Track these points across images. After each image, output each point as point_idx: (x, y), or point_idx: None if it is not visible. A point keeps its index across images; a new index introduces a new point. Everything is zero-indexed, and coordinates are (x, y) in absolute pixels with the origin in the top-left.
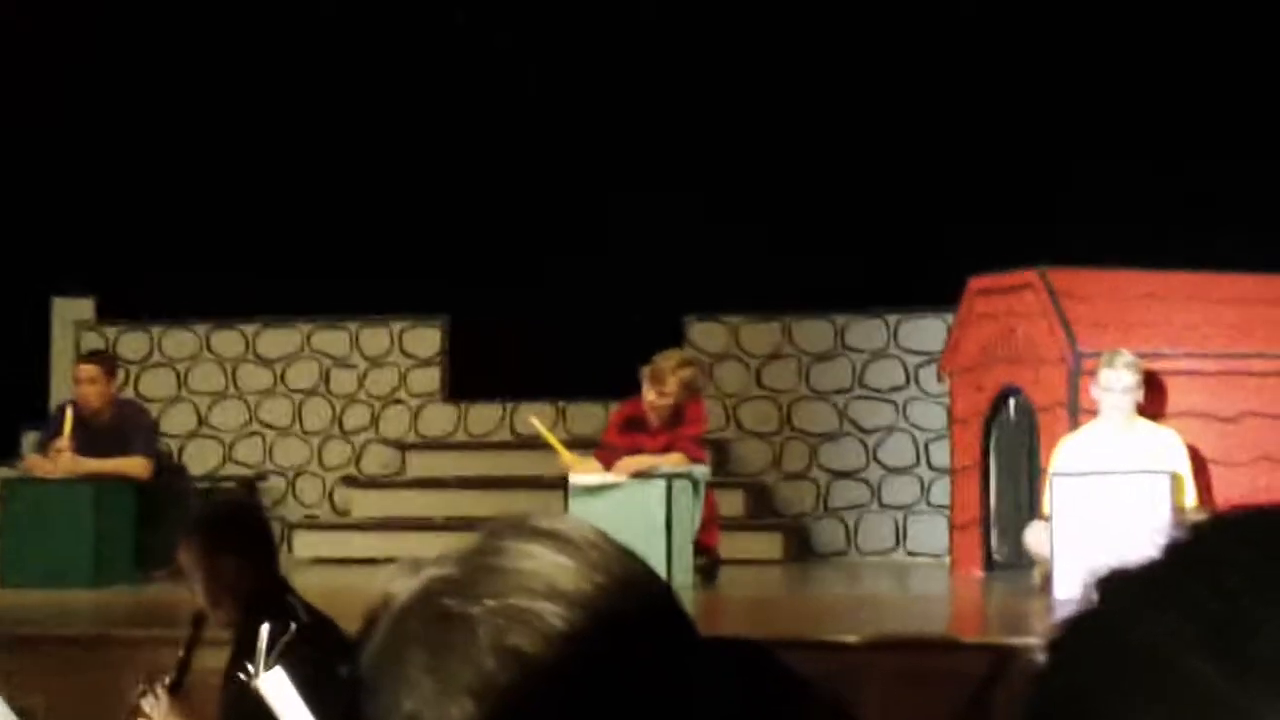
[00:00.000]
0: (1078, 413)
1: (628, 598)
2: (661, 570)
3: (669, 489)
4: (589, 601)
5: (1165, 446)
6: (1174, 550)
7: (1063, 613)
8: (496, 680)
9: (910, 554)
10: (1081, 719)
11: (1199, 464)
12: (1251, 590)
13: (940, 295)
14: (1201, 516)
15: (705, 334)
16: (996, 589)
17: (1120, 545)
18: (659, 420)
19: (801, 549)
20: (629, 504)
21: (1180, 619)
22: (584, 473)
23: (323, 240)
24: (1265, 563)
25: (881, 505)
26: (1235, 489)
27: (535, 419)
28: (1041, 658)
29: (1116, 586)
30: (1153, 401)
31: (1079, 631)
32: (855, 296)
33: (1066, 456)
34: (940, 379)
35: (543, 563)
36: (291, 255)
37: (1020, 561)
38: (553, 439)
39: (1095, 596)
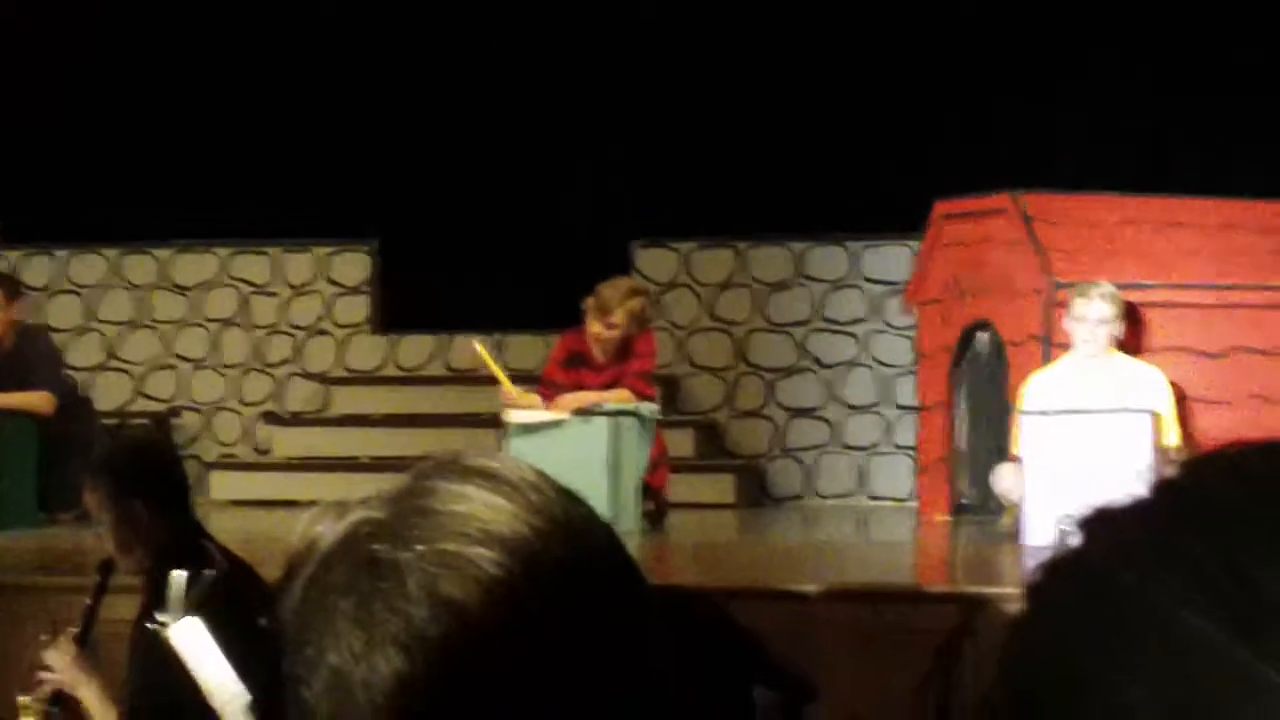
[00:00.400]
0: (1051, 347)
1: (569, 543)
2: (606, 514)
3: (614, 427)
4: (527, 547)
5: (1146, 383)
6: (1164, 492)
7: (1039, 558)
8: (427, 632)
9: (872, 498)
10: (1065, 672)
11: (1184, 402)
12: (1249, 539)
13: (906, 221)
14: (1188, 457)
15: (653, 261)
16: (964, 535)
17: (1096, 488)
18: (604, 354)
19: (756, 492)
20: (571, 443)
21: (1174, 568)
22: (523, 408)
23: (242, 159)
24: (1261, 507)
25: (842, 446)
26: (1223, 429)
27: (478, 344)
28: (1017, 606)
29: (1102, 530)
30: (1134, 336)
31: (1061, 577)
32: (815, 221)
33: (1038, 393)
34: (906, 311)
35: (477, 505)
36: (209, 175)
37: (989, 505)
38: (495, 366)
39: (1078, 539)
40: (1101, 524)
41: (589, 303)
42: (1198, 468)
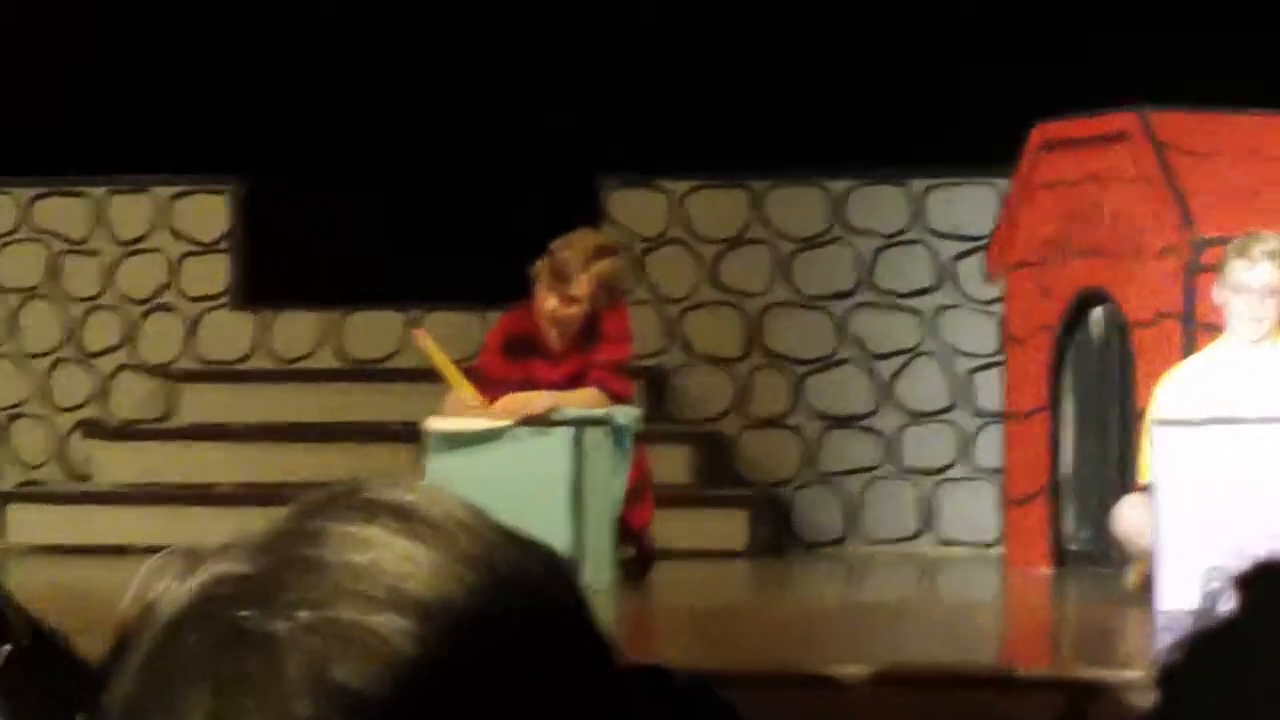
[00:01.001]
0: (1196, 329)
1: (513, 607)
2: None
3: (577, 442)
4: (454, 613)
5: None
6: None
7: (1178, 629)
8: None
9: (943, 542)
10: None
11: None
12: None
13: (987, 152)
14: None
15: (634, 207)
16: (1072, 594)
17: (1263, 531)
18: (563, 339)
19: (778, 534)
20: (517, 465)
21: None
22: (454, 416)
23: (52, 63)
24: None
25: (900, 469)
26: None
27: (425, 335)
28: (1147, 695)
29: (1266, 593)
30: None
31: (1209, 656)
32: (861, 151)
33: (1179, 395)
34: (988, 278)
35: (384, 555)
36: (6, 95)
37: (1108, 554)
38: (446, 362)
39: (1231, 606)
40: (1265, 585)
41: (541, 268)
42: None
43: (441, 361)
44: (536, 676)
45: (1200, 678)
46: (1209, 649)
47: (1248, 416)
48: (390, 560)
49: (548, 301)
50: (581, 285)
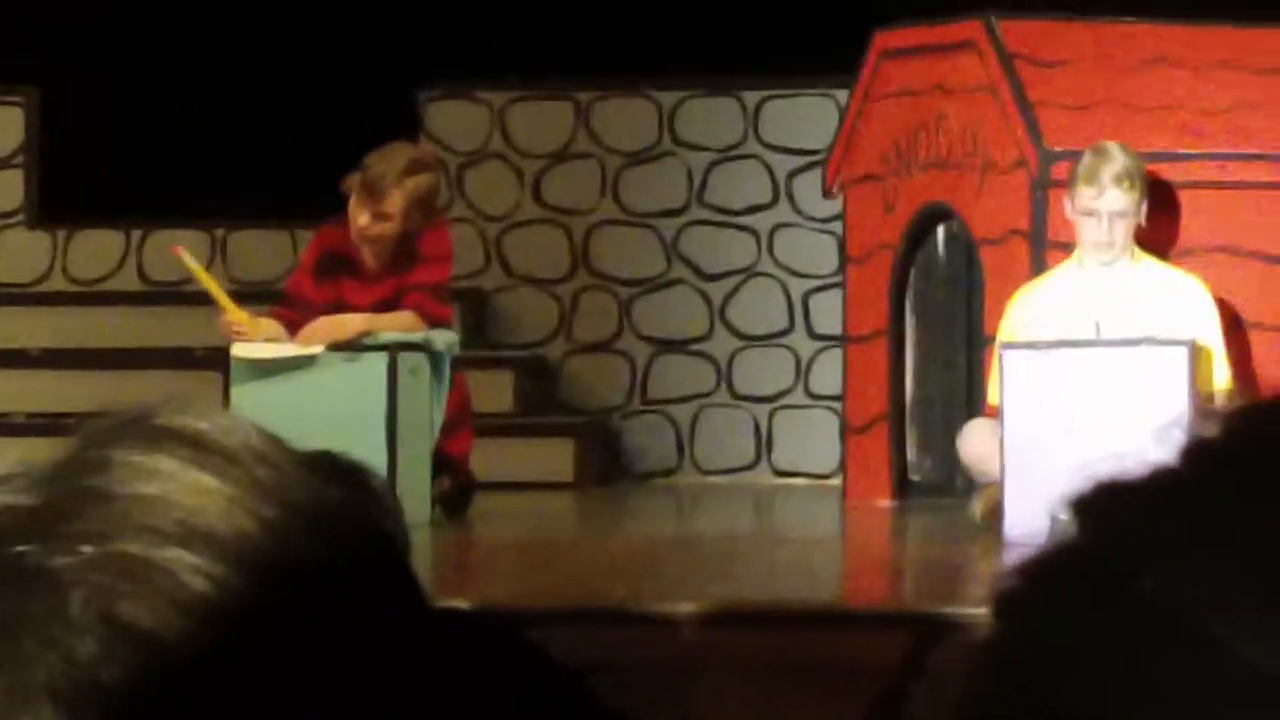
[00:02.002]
0: (1045, 248)
1: (316, 542)
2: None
3: (392, 368)
4: (250, 549)
5: (1183, 301)
6: (1201, 458)
7: (1019, 558)
8: (99, 676)
9: (780, 473)
10: (1050, 717)
11: (1235, 328)
12: None
13: (826, 61)
14: (1241, 404)
15: (452, 119)
16: (915, 527)
17: (1112, 455)
18: (376, 259)
19: (606, 464)
20: (327, 393)
21: (1213, 571)
22: (256, 340)
23: None
24: None
25: (733, 396)
26: None
27: (184, 252)
28: (988, 626)
29: (1109, 516)
30: (1165, 232)
31: (1047, 584)
32: (692, 60)
33: (1028, 318)
34: (827, 195)
35: (174, 487)
36: None
37: (953, 484)
38: (209, 280)
39: (1074, 530)
40: (1108, 507)
41: (352, 183)
42: (1253, 422)
43: (207, 281)
44: (336, 617)
45: (1038, 605)
46: (1047, 575)
47: (1098, 339)
48: (181, 492)
49: (360, 218)
50: (394, 201)
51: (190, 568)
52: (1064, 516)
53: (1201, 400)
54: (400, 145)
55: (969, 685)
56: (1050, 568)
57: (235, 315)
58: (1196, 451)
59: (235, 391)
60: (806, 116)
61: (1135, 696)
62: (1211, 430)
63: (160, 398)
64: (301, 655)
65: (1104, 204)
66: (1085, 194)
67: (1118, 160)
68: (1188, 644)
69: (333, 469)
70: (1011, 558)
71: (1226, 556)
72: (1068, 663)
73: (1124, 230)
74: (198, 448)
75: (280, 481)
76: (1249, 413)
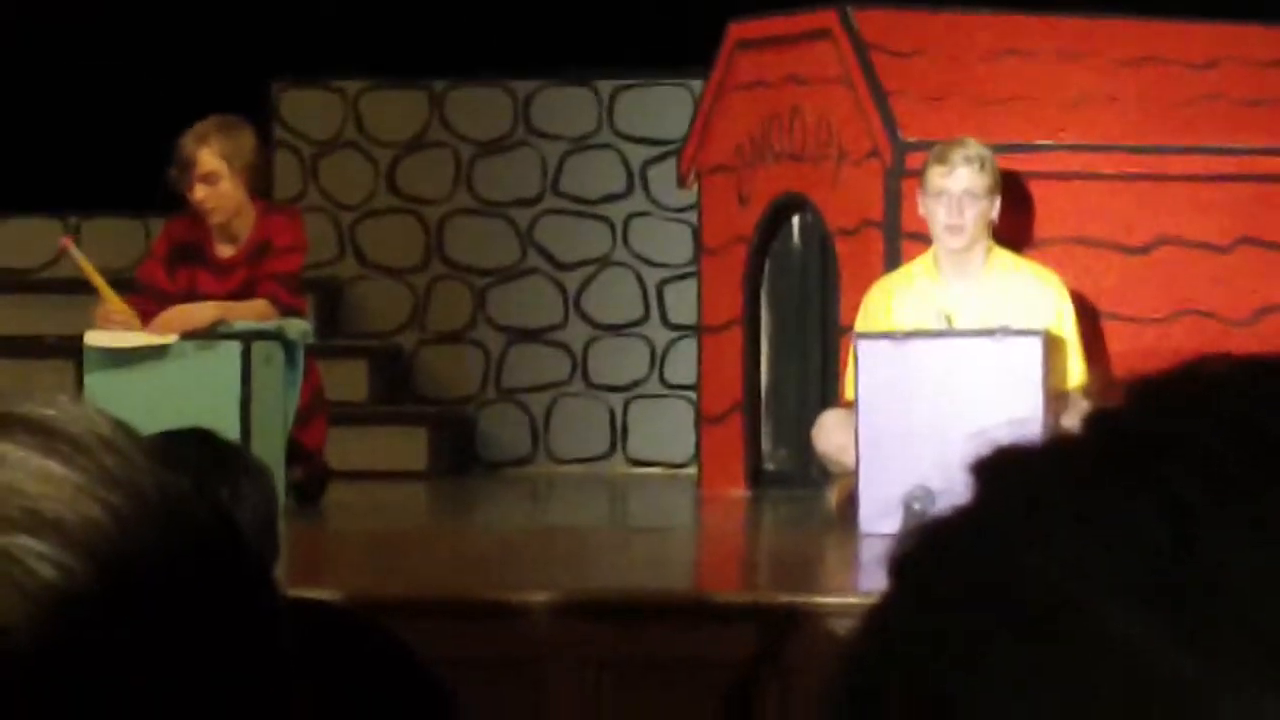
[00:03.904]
0: (899, 239)
1: (165, 532)
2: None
3: (245, 357)
4: (98, 538)
5: (1037, 294)
6: (1103, 427)
7: (889, 541)
8: None
9: (634, 462)
10: (925, 695)
11: (1089, 320)
12: (1213, 509)
13: (681, 52)
14: (1103, 394)
15: (305, 108)
16: (769, 518)
17: (964, 447)
18: (229, 241)
19: (460, 454)
20: (181, 381)
21: (1102, 543)
22: (112, 329)
23: None
24: (1234, 456)
25: (588, 384)
26: (1148, 357)
27: (73, 245)
28: (848, 621)
29: (1002, 480)
30: (1019, 224)
31: (943, 549)
32: (546, 50)
33: (882, 308)
34: (682, 185)
35: (20, 474)
36: None
37: (808, 474)
38: (95, 274)
39: (971, 493)
40: (1003, 470)
41: (172, 172)
42: (1162, 393)
43: (90, 271)
44: (183, 607)
45: (928, 570)
46: (941, 538)
47: (953, 329)
48: (25, 479)
49: (197, 194)
50: (207, 159)
51: (37, 555)
52: (917, 507)
53: (1055, 394)
54: (215, 116)
55: (846, 650)
56: (945, 530)
57: (116, 306)
58: (1099, 421)
59: (88, 380)
60: (661, 106)
61: (1007, 678)
62: (1116, 401)
63: (8, 386)
64: (147, 645)
65: (954, 181)
66: (936, 174)
67: (971, 145)
68: (1073, 630)
69: (207, 447)
70: (870, 550)
71: (1121, 538)
72: (948, 634)
73: (976, 215)
74: (44, 435)
75: (128, 470)
76: (1158, 383)
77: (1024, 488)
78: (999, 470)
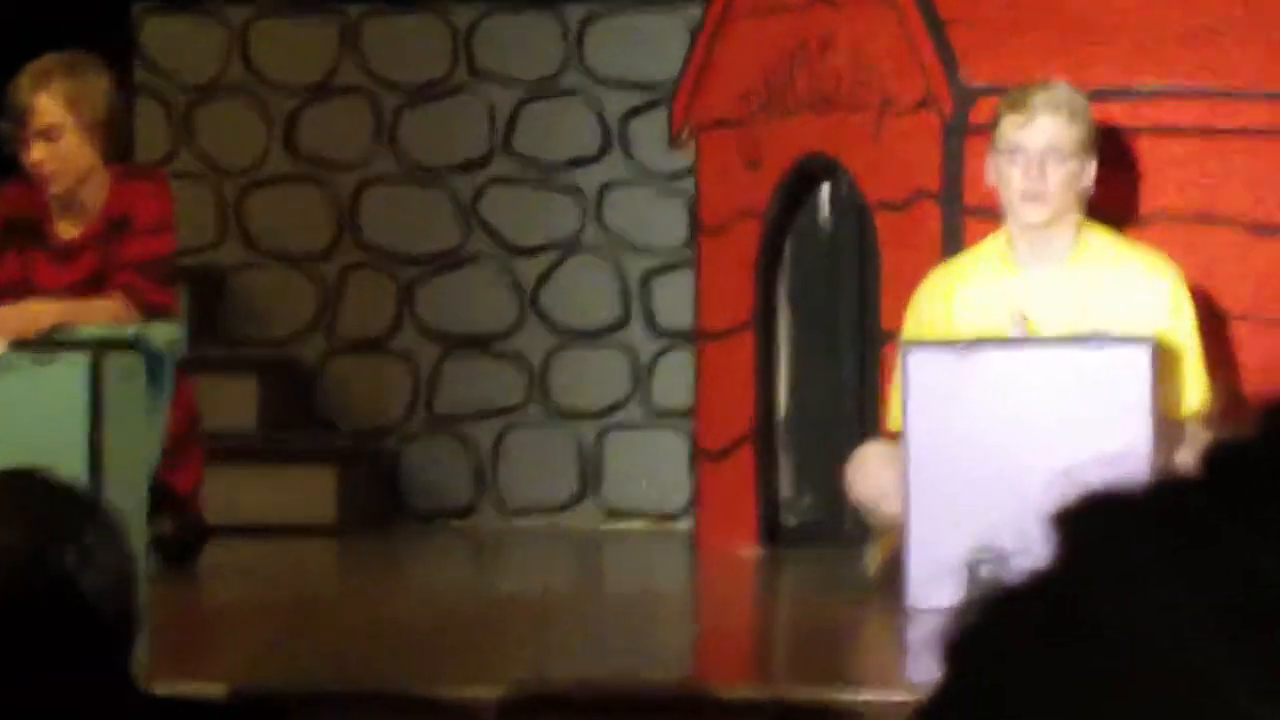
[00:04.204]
0: (961, 213)
1: None
2: (81, 544)
3: (94, 374)
4: None
5: (1146, 288)
6: (1224, 469)
7: (938, 623)
8: None
9: (610, 512)
10: None
11: (1215, 324)
12: None
13: None
14: (1227, 427)
15: (175, 41)
16: (790, 584)
17: (1047, 490)
18: (74, 218)
19: (380, 500)
20: (10, 405)
21: (1234, 644)
22: None
23: None
24: None
25: (550, 408)
26: None
27: None
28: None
29: (1097, 538)
30: (1119, 195)
31: (1017, 623)
32: None
33: (940, 307)
34: (674, 142)
35: None
36: None
37: (839, 527)
38: None
39: (1052, 551)
40: (1097, 526)
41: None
42: (1265, 436)
43: None
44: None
45: (1000, 647)
46: (1014, 611)
47: (1031, 337)
48: None
49: (33, 154)
50: (46, 108)
51: None
52: (984, 573)
53: (1168, 421)
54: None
55: None
56: (1017, 605)
57: None
58: (1222, 459)
59: None
60: (646, 40)
61: None
62: (1198, 452)
63: None
64: None
65: (1034, 134)
66: (1010, 125)
67: (1056, 88)
68: (1182, 695)
69: (44, 492)
70: (921, 627)
71: (1253, 618)
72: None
73: (1063, 180)
74: None
75: None
76: (1249, 434)
77: (1122, 547)
78: (1090, 524)
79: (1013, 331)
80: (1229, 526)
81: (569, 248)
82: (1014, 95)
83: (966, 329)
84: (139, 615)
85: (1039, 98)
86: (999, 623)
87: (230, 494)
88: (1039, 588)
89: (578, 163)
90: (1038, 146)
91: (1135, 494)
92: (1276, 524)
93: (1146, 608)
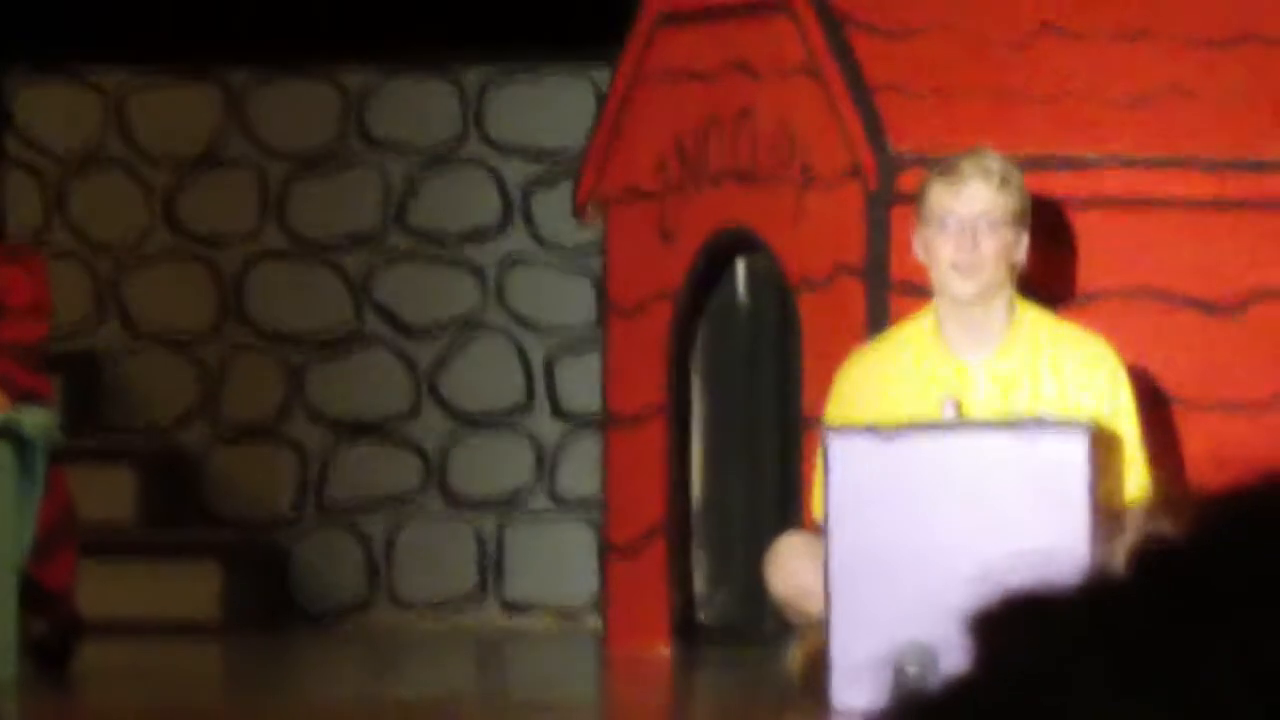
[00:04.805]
0: (887, 289)
1: None
2: None
3: None
4: None
5: (1083, 370)
6: (1156, 570)
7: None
8: None
9: (511, 607)
10: None
11: (1157, 408)
12: None
13: (579, 29)
14: (1171, 524)
15: (49, 109)
16: (706, 687)
17: (982, 586)
18: None
19: (267, 598)
20: None
21: None
22: None
23: None
24: None
25: (447, 498)
26: (1235, 452)
27: None
28: None
29: (1023, 646)
30: (1055, 271)
31: None
32: (389, 30)
33: (864, 390)
34: (579, 215)
35: None
36: None
37: (759, 625)
38: None
39: (974, 657)
40: (1022, 632)
41: None
42: (1198, 538)
43: None
44: None
45: None
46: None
47: (961, 421)
48: None
49: None
50: None
51: None
52: (911, 672)
53: (1108, 513)
54: None
55: None
56: (940, 713)
57: None
58: (1153, 561)
59: None
60: (549, 105)
61: None
62: (1140, 549)
63: None
64: None
65: (965, 201)
66: (940, 192)
67: (987, 155)
68: None
69: None
70: None
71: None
72: None
73: (996, 250)
74: None
75: None
76: (1233, 504)
77: (1050, 657)
78: (1015, 631)
79: (945, 417)
80: (1162, 636)
81: (468, 327)
82: (943, 163)
83: (892, 413)
84: None
85: (969, 164)
86: None
87: (107, 591)
88: (960, 697)
89: (477, 236)
90: (969, 214)
91: (1062, 598)
92: (1211, 634)
93: None
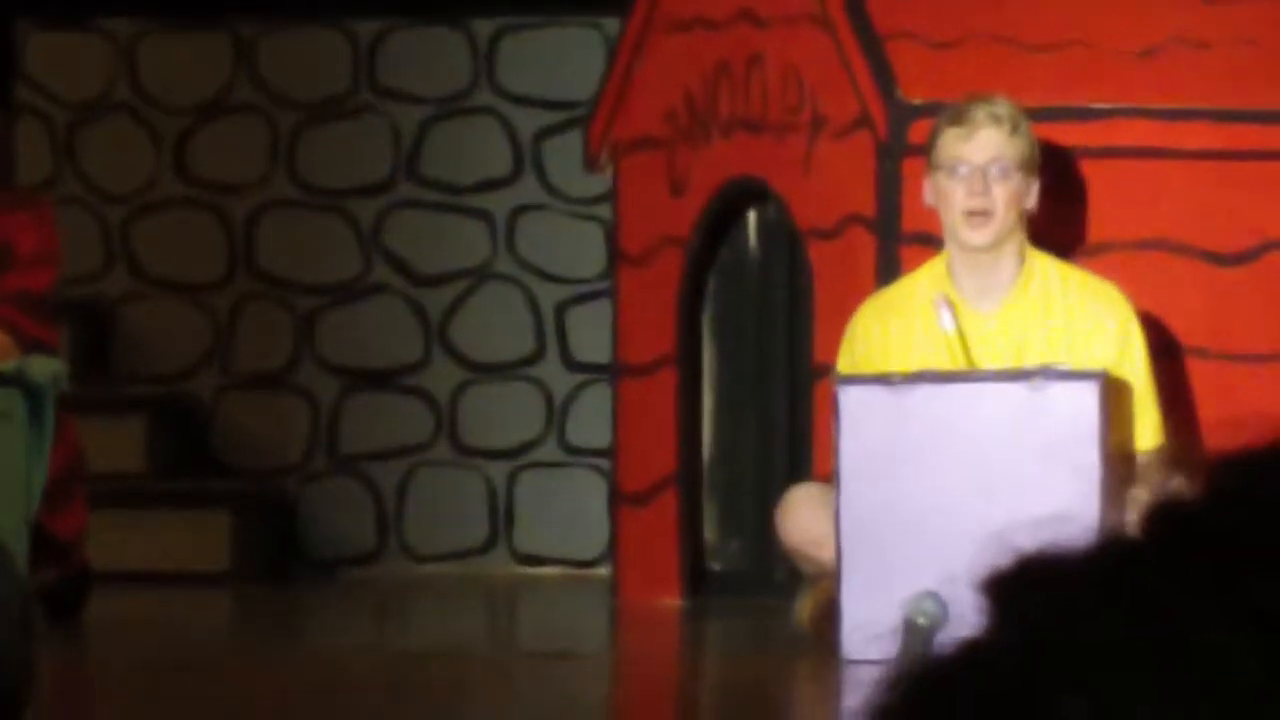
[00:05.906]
0: (897, 240)
1: None
2: None
3: None
4: None
5: (1094, 319)
6: (1167, 531)
7: (871, 682)
8: None
9: (522, 559)
10: None
11: (1169, 357)
12: None
13: None
14: (1183, 475)
15: (60, 58)
16: (716, 637)
17: (988, 538)
18: None
19: (277, 547)
20: None
21: (1163, 698)
22: None
23: None
24: None
25: (458, 448)
26: (1245, 401)
27: None
28: None
29: (1033, 609)
30: (1066, 221)
31: (944, 703)
32: None
33: (875, 339)
34: (591, 165)
35: None
36: None
37: (769, 575)
38: None
39: (983, 622)
40: (1032, 596)
41: None
42: (1241, 479)
43: None
44: None
45: None
46: (939, 691)
47: (973, 371)
48: None
49: None
50: None
51: None
52: (922, 623)
53: (1119, 461)
54: None
55: None
56: (947, 675)
57: None
58: (1165, 519)
59: None
60: (560, 56)
61: None
62: (1150, 508)
63: None
64: None
65: (976, 148)
66: (951, 139)
67: (998, 102)
68: None
69: None
70: (857, 685)
71: (1197, 684)
72: None
73: (1007, 197)
74: None
75: None
76: (1248, 460)
77: (1058, 614)
78: (1026, 595)
79: (942, 322)
80: (1176, 600)
81: (479, 276)
82: (953, 109)
83: (903, 362)
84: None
85: (980, 110)
86: (931, 701)
87: (117, 541)
88: (972, 661)
89: (488, 186)
90: (981, 160)
91: (1074, 561)
92: (1225, 598)
93: (1090, 690)
